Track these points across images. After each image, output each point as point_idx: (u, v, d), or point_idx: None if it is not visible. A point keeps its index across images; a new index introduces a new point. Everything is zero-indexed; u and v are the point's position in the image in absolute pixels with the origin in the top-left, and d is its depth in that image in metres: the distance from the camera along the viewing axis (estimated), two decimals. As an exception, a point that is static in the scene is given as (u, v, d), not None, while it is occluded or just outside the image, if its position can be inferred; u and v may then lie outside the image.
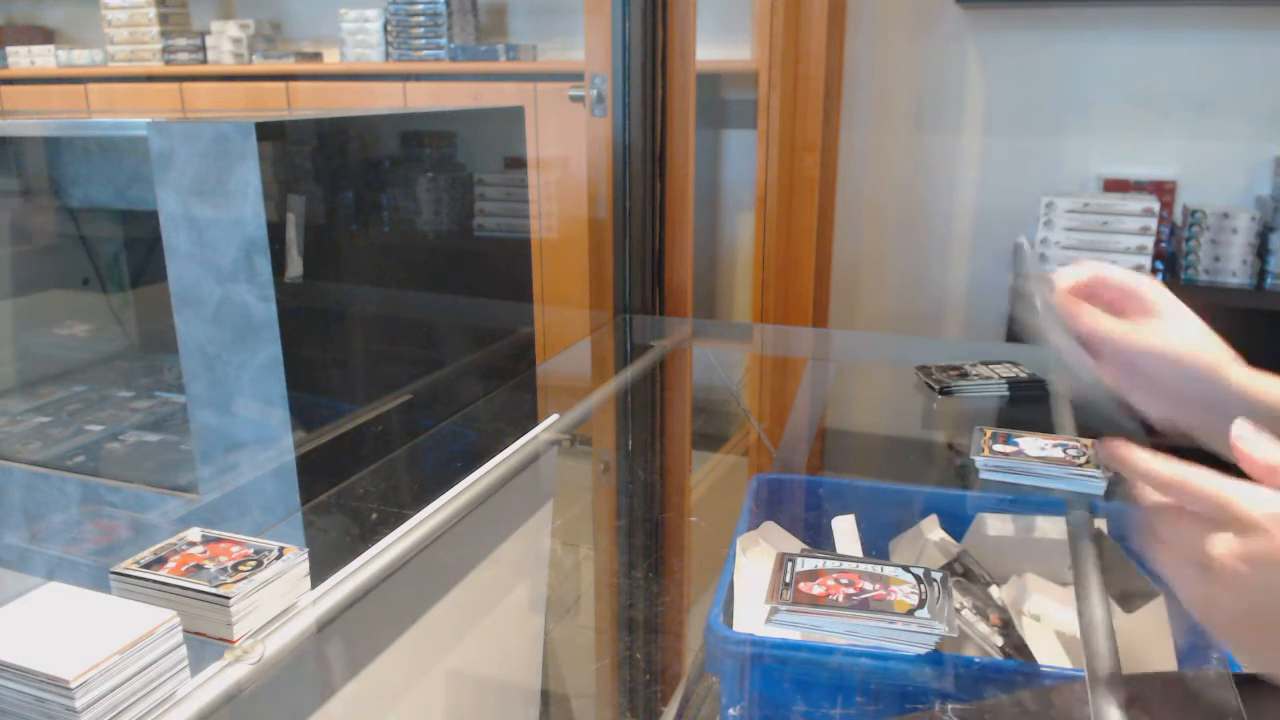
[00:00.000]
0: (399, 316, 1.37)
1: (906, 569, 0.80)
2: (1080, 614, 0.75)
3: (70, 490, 1.34)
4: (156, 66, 3.55)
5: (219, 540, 0.75)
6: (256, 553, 0.73)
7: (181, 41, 3.54)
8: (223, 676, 0.66)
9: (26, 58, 3.78)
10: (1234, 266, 2.27)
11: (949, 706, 0.71)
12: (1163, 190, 2.51)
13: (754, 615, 0.82)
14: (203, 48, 3.53)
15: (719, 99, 2.95)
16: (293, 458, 1.16)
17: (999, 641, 0.80)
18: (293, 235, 1.13)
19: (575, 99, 2.61)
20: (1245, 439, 0.55)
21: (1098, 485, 0.95)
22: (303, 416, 1.17)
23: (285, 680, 0.70)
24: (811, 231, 2.50)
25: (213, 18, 3.61)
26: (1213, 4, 2.41)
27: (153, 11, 3.54)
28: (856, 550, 1.00)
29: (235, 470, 1.21)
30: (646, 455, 1.48)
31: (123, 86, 3.56)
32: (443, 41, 3.13)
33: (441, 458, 1.41)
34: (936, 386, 1.36)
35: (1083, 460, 0.97)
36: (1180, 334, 0.69)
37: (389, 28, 3.21)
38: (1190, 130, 2.51)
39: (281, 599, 0.72)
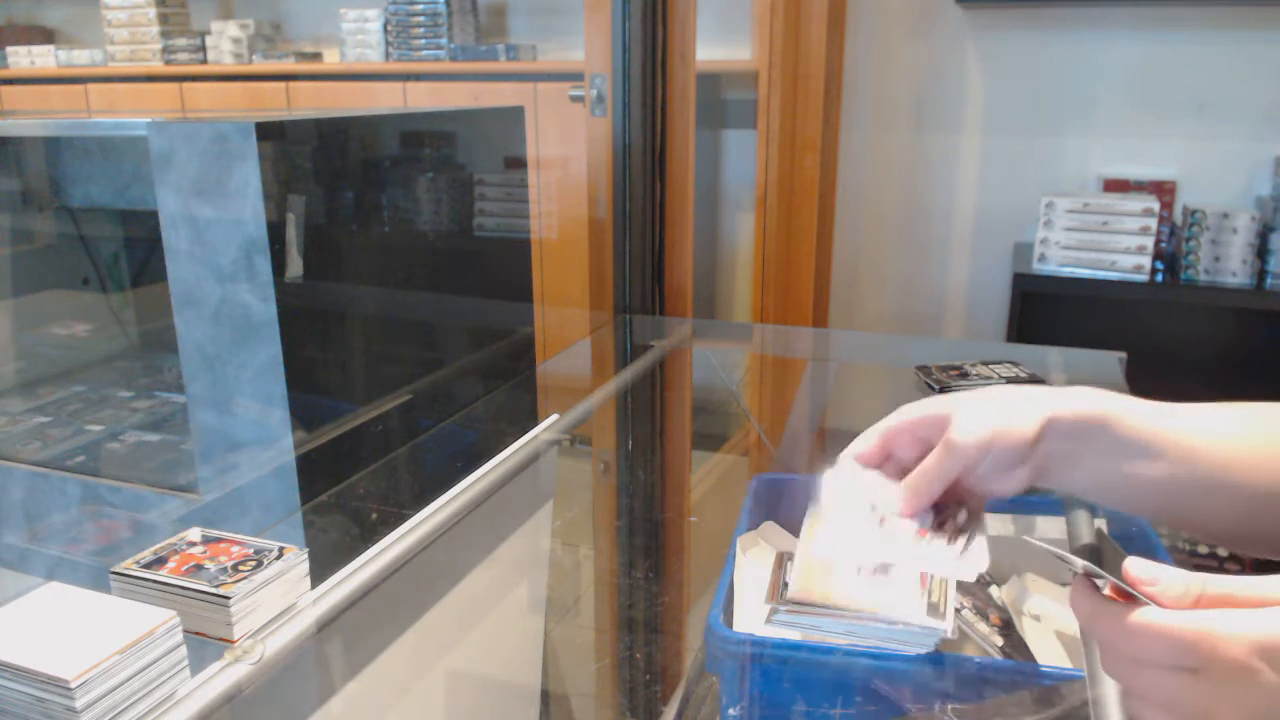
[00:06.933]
0: (399, 316, 1.37)
1: (906, 569, 0.80)
2: (1080, 614, 0.75)
3: (70, 490, 1.34)
4: (156, 66, 3.55)
5: (219, 540, 0.75)
6: (256, 553, 0.73)
7: (181, 41, 3.54)
8: (223, 676, 0.66)
9: (26, 58, 3.78)
10: (1234, 266, 2.27)
11: (949, 706, 0.71)
12: (1163, 190, 2.51)
13: (754, 615, 0.82)
14: (203, 48, 3.53)
15: (719, 99, 2.95)
16: (292, 458, 1.16)
17: (999, 641, 0.80)
18: (293, 235, 1.13)
19: (575, 99, 2.61)
20: (1143, 575, 0.48)
21: (1098, 485, 0.95)
22: (303, 416, 1.17)
23: (285, 680, 0.70)
24: (811, 231, 2.50)
25: (213, 18, 3.61)
26: (1213, 4, 2.41)
27: (153, 11, 3.54)
28: (856, 550, 1.00)
29: (235, 470, 1.21)
30: (646, 455, 1.48)
31: (123, 86, 3.56)
32: (443, 41, 3.13)
33: (441, 458, 1.41)
34: (936, 386, 1.36)
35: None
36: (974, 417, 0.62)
37: (389, 28, 3.22)
38: (1190, 130, 2.51)
39: (281, 599, 0.72)
